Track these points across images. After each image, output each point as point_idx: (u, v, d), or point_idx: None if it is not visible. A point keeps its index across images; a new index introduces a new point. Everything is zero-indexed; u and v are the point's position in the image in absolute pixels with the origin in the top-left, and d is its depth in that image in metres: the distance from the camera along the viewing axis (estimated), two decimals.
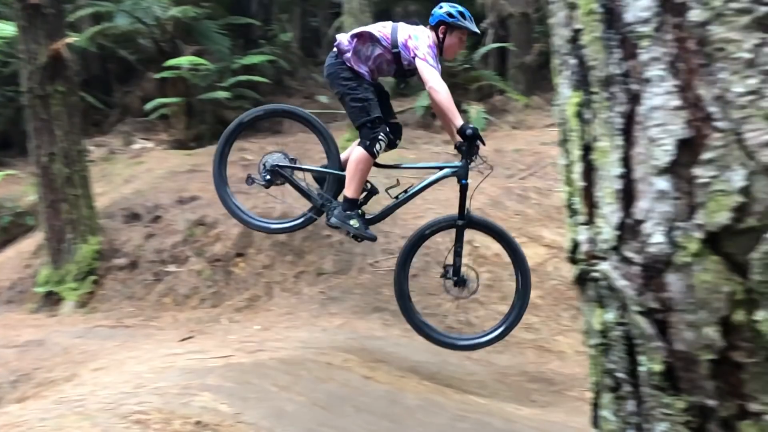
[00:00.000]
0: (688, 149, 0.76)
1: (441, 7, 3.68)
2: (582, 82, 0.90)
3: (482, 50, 7.75)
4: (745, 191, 0.71)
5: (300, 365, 3.82)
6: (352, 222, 3.70)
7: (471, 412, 3.58)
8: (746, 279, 0.72)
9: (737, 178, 0.72)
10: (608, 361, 0.88)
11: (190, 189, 6.92)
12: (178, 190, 6.91)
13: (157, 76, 8.30)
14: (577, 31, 0.90)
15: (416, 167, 4.13)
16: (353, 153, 3.70)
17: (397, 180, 3.81)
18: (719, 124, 0.73)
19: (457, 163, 3.66)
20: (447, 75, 7.56)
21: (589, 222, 0.90)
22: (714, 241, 0.74)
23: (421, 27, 3.71)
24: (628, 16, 0.81)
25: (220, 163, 3.98)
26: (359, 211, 3.75)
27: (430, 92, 3.51)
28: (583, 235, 0.91)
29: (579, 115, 0.91)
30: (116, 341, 4.92)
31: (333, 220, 3.73)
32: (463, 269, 3.75)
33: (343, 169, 3.76)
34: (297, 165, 3.89)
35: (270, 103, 9.13)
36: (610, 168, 0.85)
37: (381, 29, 3.69)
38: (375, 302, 5.20)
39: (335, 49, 3.72)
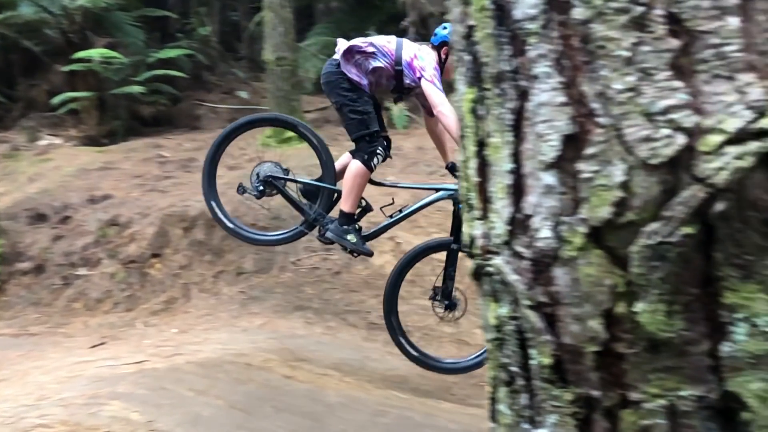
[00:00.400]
0: (573, 145, 0.77)
1: (445, 28, 3.61)
2: (476, 79, 0.90)
3: None
4: (624, 186, 0.73)
5: (218, 368, 3.72)
6: (349, 237, 3.61)
7: (392, 407, 3.60)
8: (627, 272, 0.74)
9: (617, 173, 0.74)
10: (502, 356, 0.89)
11: (103, 187, 6.61)
12: (89, 188, 6.59)
13: (66, 68, 7.87)
14: (470, 28, 0.90)
15: (413, 187, 4.02)
16: (351, 167, 3.58)
17: (393, 199, 3.75)
18: (601, 120, 0.75)
19: (454, 185, 3.60)
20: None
21: (484, 217, 0.90)
22: (597, 235, 0.76)
23: (425, 46, 3.64)
24: (517, 13, 0.82)
25: (210, 174, 3.81)
26: (356, 225, 3.65)
27: (438, 116, 3.42)
28: (478, 230, 0.92)
29: (473, 111, 0.91)
30: (20, 351, 4.63)
31: (329, 234, 3.63)
32: (455, 293, 3.75)
33: (335, 183, 3.66)
34: (291, 177, 3.75)
35: (189, 97, 8.86)
36: (501, 163, 0.86)
37: (386, 44, 3.59)
38: (297, 301, 5.14)
39: (335, 58, 3.61)
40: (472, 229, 0.94)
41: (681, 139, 0.70)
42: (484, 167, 0.90)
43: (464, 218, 0.99)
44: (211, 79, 9.37)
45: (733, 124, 0.69)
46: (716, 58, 0.70)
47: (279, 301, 5.16)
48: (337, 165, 3.73)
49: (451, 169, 3.68)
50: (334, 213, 3.72)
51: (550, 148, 0.79)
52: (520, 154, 0.83)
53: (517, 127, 0.83)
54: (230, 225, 3.83)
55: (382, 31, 7.82)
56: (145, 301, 5.44)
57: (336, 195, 3.71)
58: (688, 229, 0.70)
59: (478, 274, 0.93)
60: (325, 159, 3.67)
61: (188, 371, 3.60)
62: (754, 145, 0.68)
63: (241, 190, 3.77)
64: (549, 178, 0.79)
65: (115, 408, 3.03)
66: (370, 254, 3.73)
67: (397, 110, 7.20)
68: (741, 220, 0.69)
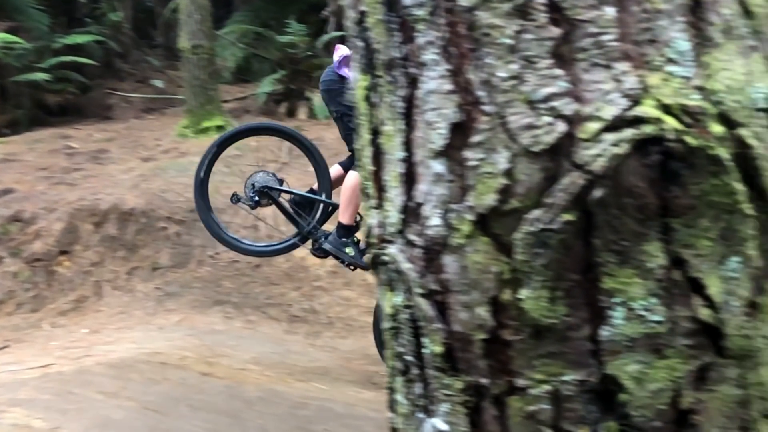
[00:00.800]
0: (460, 133, 0.77)
1: None
2: (369, 66, 0.88)
3: (324, 38, 7.73)
4: (508, 173, 0.74)
5: (130, 368, 3.58)
6: (347, 250, 3.51)
7: (313, 399, 3.57)
8: (512, 259, 0.74)
9: (502, 160, 0.74)
10: (398, 345, 0.88)
11: (4, 181, 6.20)
12: None
13: None
14: (362, 13, 0.88)
15: None
16: (348, 179, 3.46)
17: None
18: (486, 108, 0.75)
19: None
20: (290, 62, 7.45)
21: (379, 206, 0.89)
22: (484, 222, 0.76)
23: None
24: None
25: (202, 185, 3.59)
26: (354, 238, 3.55)
27: None
28: (374, 218, 0.91)
29: (367, 98, 0.90)
30: None
31: (327, 246, 3.51)
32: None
33: (331, 195, 3.55)
34: (286, 188, 3.61)
35: (99, 86, 8.43)
36: (394, 152, 0.85)
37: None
38: (216, 295, 5.02)
39: (337, 63, 3.45)
40: (369, 218, 0.93)
41: (561, 127, 0.71)
42: (378, 156, 0.89)
43: (363, 208, 0.98)
44: (123, 67, 8.97)
45: (609, 112, 0.70)
46: (594, 46, 0.71)
47: (197, 296, 5.01)
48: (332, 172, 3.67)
49: None
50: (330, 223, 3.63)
51: (439, 136, 0.78)
52: (412, 142, 0.82)
53: (408, 114, 0.82)
54: (228, 237, 3.72)
55: (302, 21, 7.73)
56: (53, 300, 5.15)
57: (331, 208, 3.63)
58: (568, 216, 0.71)
59: (375, 264, 0.92)
60: (322, 170, 3.59)
61: (98, 373, 3.44)
62: (629, 133, 0.69)
63: (235, 199, 3.64)
64: (438, 166, 0.79)
65: (16, 415, 2.85)
66: (367, 268, 3.67)
67: (318, 100, 7.13)
68: (618, 207, 0.70)
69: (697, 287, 0.71)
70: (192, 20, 6.85)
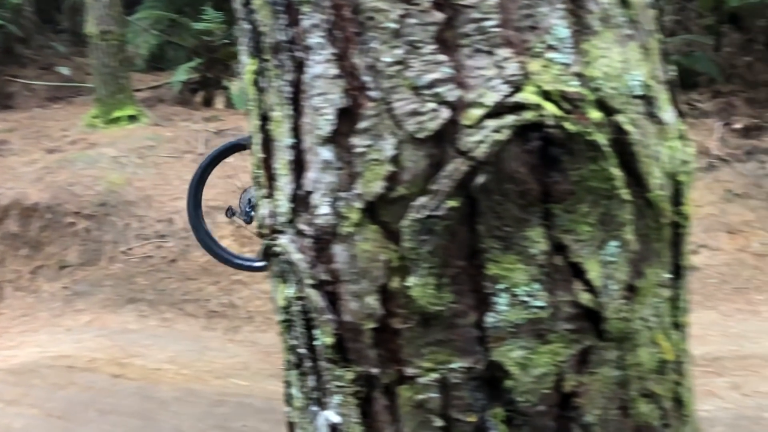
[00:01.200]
0: (347, 118, 0.75)
1: None
2: (256, 49, 0.85)
3: None
4: (395, 160, 0.72)
5: (33, 373, 3.38)
6: None
7: (231, 396, 3.49)
8: (399, 246, 0.73)
9: (388, 147, 0.73)
10: (291, 338, 0.86)
11: None
12: None
13: None
14: None
15: None
16: None
17: None
18: (372, 94, 0.73)
19: None
20: (206, 50, 7.21)
21: (270, 195, 0.86)
22: (372, 210, 0.74)
23: None
24: None
25: (196, 202, 3.32)
26: None
27: None
28: (265, 208, 0.88)
29: (256, 83, 0.87)
30: None
31: None
32: None
33: None
34: None
35: None
36: (282, 138, 0.82)
37: None
38: (129, 293, 4.81)
39: None
40: (261, 207, 0.89)
41: (445, 113, 0.71)
42: (268, 143, 0.86)
43: (255, 197, 0.94)
44: (25, 53, 8.42)
45: (491, 98, 0.70)
46: (477, 32, 0.71)
47: (108, 294, 4.79)
48: None
49: None
50: None
51: (326, 122, 0.76)
52: (300, 128, 0.80)
53: (296, 100, 0.79)
54: (224, 254, 3.52)
55: (218, 8, 7.49)
56: None
57: None
58: (453, 203, 0.71)
59: (267, 255, 0.89)
60: None
61: None
62: (510, 119, 0.69)
63: (230, 213, 3.46)
64: (326, 153, 0.77)
65: None
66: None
67: (236, 89, 6.94)
68: (500, 193, 0.70)
69: (578, 272, 0.72)
70: (99, 4, 6.51)
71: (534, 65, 0.70)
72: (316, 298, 0.79)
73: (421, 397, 0.74)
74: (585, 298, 0.72)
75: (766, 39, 6.14)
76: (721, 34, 6.23)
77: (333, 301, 0.78)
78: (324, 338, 0.79)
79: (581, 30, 0.72)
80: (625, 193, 0.72)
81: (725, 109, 5.58)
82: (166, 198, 5.43)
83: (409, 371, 0.74)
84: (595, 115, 0.71)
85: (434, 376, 0.73)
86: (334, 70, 0.75)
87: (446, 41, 0.71)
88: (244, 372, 4.02)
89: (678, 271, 0.80)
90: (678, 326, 0.80)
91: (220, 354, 4.26)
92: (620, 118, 0.72)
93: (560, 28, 0.71)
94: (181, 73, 6.91)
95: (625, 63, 0.74)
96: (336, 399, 0.80)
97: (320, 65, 0.76)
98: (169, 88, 7.11)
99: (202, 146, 6.15)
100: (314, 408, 0.84)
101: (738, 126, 5.34)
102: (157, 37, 7.87)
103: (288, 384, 0.91)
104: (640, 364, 0.75)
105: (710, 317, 4.05)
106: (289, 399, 0.91)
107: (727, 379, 3.38)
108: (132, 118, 6.40)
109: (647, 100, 0.76)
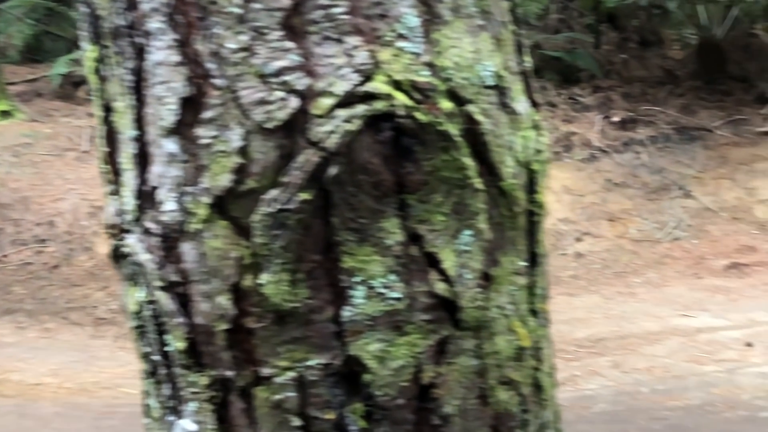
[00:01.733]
0: (192, 108, 0.70)
1: None
2: (96, 35, 0.79)
3: None
4: (243, 151, 0.69)
5: None
6: None
7: (120, 407, 3.32)
8: (251, 242, 0.70)
9: (235, 138, 0.69)
10: (144, 344, 0.81)
11: None
12: None
13: None
14: None
15: None
16: None
17: None
18: (217, 82, 0.69)
19: None
20: None
21: (116, 191, 0.80)
22: (221, 205, 0.71)
23: None
24: None
25: None
26: None
27: None
28: (111, 206, 0.82)
29: (97, 71, 0.80)
30: None
31: None
32: None
33: None
34: None
35: None
36: (126, 130, 0.76)
37: None
38: (5, 303, 4.46)
39: None
40: (108, 205, 0.83)
41: (294, 102, 0.68)
42: (111, 135, 0.80)
43: (103, 194, 0.88)
44: None
45: (341, 87, 0.68)
46: (325, 19, 0.69)
47: None
48: None
49: None
50: None
51: (169, 112, 0.71)
52: (143, 119, 0.74)
53: (138, 89, 0.74)
54: None
55: None
56: None
57: None
58: (305, 195, 0.68)
59: (116, 257, 0.82)
60: None
61: None
62: (361, 108, 0.68)
63: None
64: (171, 146, 0.72)
65: None
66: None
67: None
68: (353, 184, 0.69)
69: (433, 262, 0.72)
70: None
71: (384, 54, 0.69)
72: (165, 300, 0.74)
73: (278, 397, 0.71)
74: (441, 287, 0.72)
75: (639, 38, 6.59)
76: (600, 33, 6.62)
77: (184, 303, 0.74)
78: (176, 343, 0.75)
79: (431, 19, 0.72)
80: (477, 183, 0.73)
81: (605, 103, 5.92)
82: (46, 199, 5.08)
83: (265, 371, 0.71)
84: (447, 105, 0.71)
85: (291, 374, 0.71)
86: (176, 57, 0.70)
87: (294, 28, 0.68)
88: (135, 380, 3.83)
89: (534, 258, 0.82)
90: (535, 313, 0.82)
91: (109, 363, 4.04)
92: (471, 108, 0.73)
93: (410, 16, 0.70)
94: (61, 66, 6.48)
95: (476, 53, 0.74)
96: (191, 406, 0.76)
97: (162, 51, 0.71)
98: (48, 82, 6.64)
99: (87, 143, 5.80)
100: (170, 417, 0.79)
101: (616, 119, 5.69)
102: (32, 26, 7.33)
103: (146, 394, 0.86)
104: (497, 352, 0.76)
105: (593, 300, 4.29)
106: (147, 410, 0.86)
107: (609, 358, 3.60)
108: (5, 114, 5.93)
109: (499, 90, 0.76)
